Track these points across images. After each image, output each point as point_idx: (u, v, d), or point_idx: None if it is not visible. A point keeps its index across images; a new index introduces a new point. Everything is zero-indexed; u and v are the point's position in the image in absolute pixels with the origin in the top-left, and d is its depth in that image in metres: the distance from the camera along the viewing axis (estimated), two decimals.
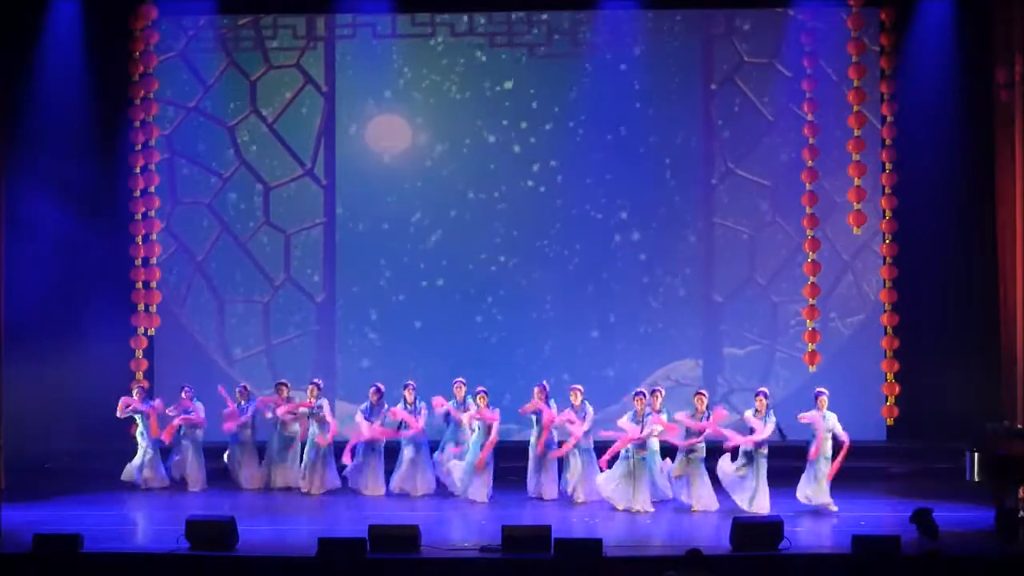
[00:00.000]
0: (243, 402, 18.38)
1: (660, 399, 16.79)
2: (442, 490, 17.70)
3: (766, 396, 16.76)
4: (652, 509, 16.56)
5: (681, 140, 20.14)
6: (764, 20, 20.06)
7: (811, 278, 19.58)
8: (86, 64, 19.41)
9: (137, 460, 18.26)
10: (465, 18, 20.28)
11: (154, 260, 19.88)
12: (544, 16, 20.18)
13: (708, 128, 20.16)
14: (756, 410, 16.66)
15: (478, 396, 17.39)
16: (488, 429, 17.26)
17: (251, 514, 16.20)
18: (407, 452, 17.82)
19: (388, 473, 17.91)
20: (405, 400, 17.81)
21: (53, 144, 19.14)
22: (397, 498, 17.58)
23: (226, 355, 20.36)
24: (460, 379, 17.89)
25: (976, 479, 15.23)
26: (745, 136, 20.09)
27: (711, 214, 20.17)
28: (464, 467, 17.34)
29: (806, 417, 16.53)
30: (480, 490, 17.20)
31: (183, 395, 18.30)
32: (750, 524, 14.40)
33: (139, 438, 18.25)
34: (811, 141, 19.50)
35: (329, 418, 18.02)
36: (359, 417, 17.83)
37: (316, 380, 18.40)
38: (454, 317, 20.19)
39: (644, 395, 16.85)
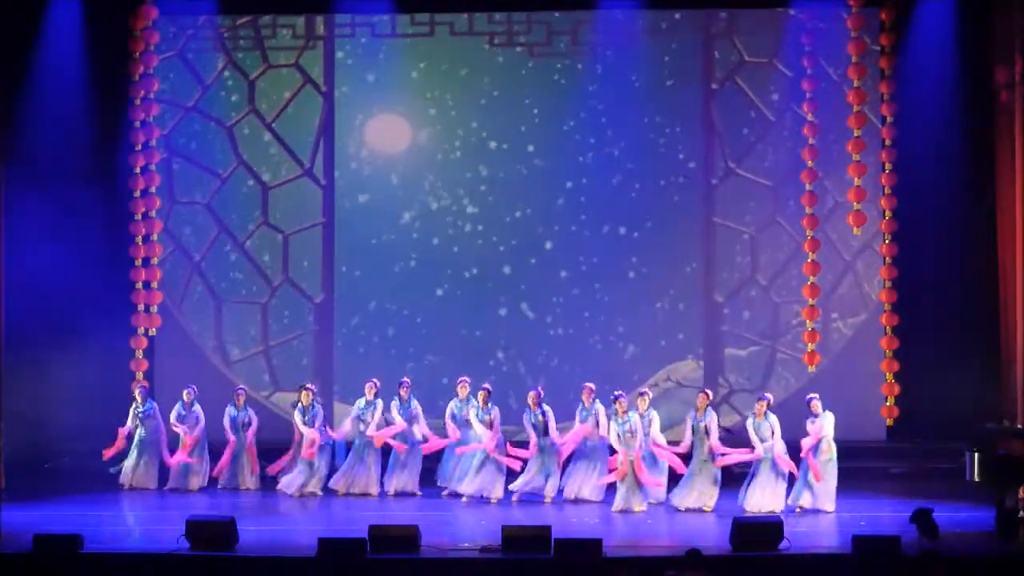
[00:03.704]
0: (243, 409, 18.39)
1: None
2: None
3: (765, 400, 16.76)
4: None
5: (681, 140, 20.12)
6: (764, 20, 20.05)
7: (811, 278, 19.57)
8: (86, 64, 19.41)
9: (130, 462, 18.23)
10: (465, 18, 20.27)
11: (155, 260, 19.87)
12: (544, 16, 20.17)
13: (708, 128, 20.15)
14: (755, 413, 16.66)
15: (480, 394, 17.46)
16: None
17: (251, 514, 16.19)
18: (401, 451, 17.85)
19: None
20: (400, 397, 17.83)
21: (53, 144, 19.11)
22: (397, 498, 17.57)
23: (224, 356, 20.34)
24: (464, 378, 17.85)
25: (976, 479, 15.22)
26: (745, 136, 20.08)
27: (711, 214, 20.16)
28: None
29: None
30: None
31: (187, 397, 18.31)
32: (750, 524, 14.38)
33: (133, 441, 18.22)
34: (811, 141, 19.50)
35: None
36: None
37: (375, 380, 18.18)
38: (454, 318, 20.18)
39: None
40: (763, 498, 16.32)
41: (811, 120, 19.51)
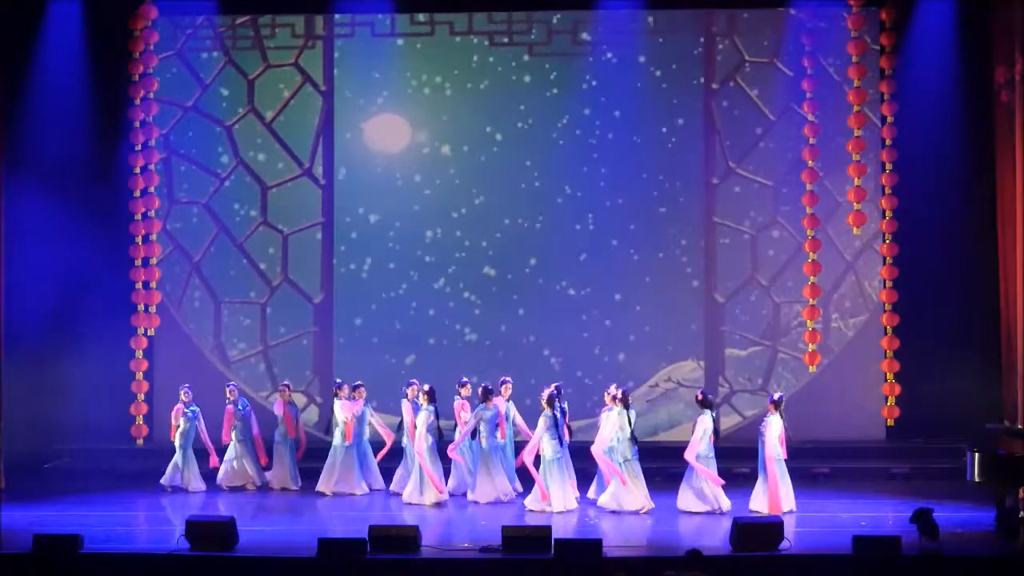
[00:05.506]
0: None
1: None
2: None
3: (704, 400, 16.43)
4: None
5: (681, 140, 20.11)
6: (765, 19, 20.05)
7: (812, 278, 19.57)
8: (86, 64, 19.41)
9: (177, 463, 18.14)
10: (465, 17, 20.26)
11: (154, 260, 19.88)
12: (544, 16, 20.17)
13: (708, 128, 20.14)
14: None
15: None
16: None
17: (251, 514, 16.18)
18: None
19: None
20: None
21: (53, 144, 19.11)
22: (397, 498, 17.54)
23: (223, 356, 20.33)
24: (507, 378, 17.58)
25: (976, 479, 15.20)
26: (745, 136, 20.08)
27: (711, 214, 20.15)
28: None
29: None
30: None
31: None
32: (750, 524, 14.36)
33: (178, 440, 18.08)
34: (811, 141, 19.51)
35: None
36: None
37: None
38: (454, 318, 20.17)
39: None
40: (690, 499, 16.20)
41: (811, 120, 19.52)
